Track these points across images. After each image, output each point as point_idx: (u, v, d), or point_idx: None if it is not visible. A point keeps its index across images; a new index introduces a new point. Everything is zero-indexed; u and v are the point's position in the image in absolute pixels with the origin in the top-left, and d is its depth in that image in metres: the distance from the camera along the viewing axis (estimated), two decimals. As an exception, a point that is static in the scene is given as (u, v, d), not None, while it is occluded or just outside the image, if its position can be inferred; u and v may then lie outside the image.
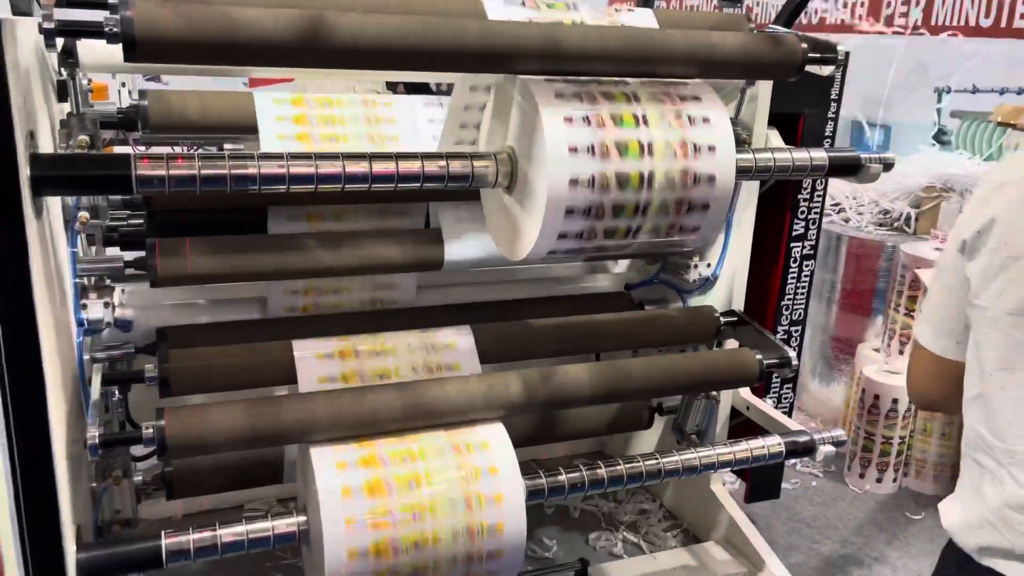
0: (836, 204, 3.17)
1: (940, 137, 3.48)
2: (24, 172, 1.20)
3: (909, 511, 2.64)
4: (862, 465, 2.76)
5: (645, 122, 1.43)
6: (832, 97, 2.13)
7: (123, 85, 2.05)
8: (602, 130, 1.39)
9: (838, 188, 3.17)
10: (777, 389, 2.35)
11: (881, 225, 3.09)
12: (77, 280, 1.62)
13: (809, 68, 1.71)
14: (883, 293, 2.97)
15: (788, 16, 2.01)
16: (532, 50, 1.43)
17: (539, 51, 1.43)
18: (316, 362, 1.68)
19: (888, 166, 1.85)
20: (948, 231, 2.91)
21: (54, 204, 1.49)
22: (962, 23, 3.37)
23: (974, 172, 3.02)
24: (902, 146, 3.53)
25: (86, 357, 1.67)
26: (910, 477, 2.79)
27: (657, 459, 1.81)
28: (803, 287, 2.28)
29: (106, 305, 1.66)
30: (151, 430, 1.47)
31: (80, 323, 1.62)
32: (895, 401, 2.67)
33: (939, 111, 3.52)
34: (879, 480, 2.75)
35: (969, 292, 1.28)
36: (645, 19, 1.73)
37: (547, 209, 1.38)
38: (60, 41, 1.43)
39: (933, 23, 3.47)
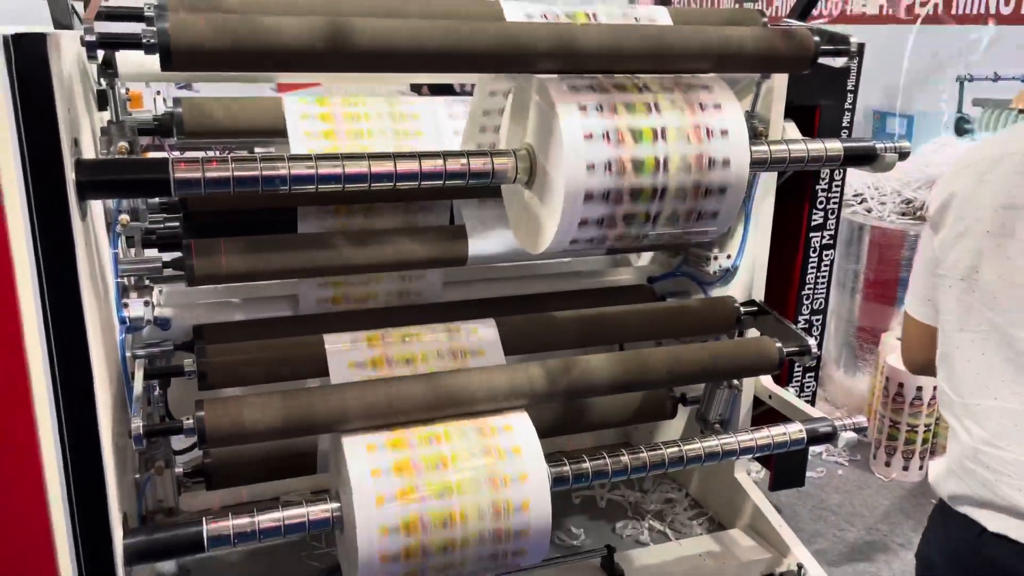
0: (858, 194, 3.17)
1: (962, 125, 3.47)
2: (70, 177, 1.27)
3: (936, 498, 2.64)
4: (887, 453, 2.77)
5: (657, 109, 1.48)
6: (848, 88, 2.15)
7: (158, 93, 2.12)
8: (615, 117, 1.45)
9: (860, 178, 3.18)
10: (800, 378, 2.38)
11: (903, 214, 3.09)
12: (119, 280, 1.70)
13: (823, 60, 1.74)
14: (906, 282, 2.96)
15: (802, 9, 2.04)
16: (548, 50, 1.48)
17: (555, 50, 1.48)
18: (346, 352, 1.74)
19: (904, 155, 1.87)
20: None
21: (97, 207, 1.57)
22: (983, 10, 3.36)
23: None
24: (924, 135, 3.52)
25: (128, 354, 1.75)
26: (936, 465, 2.80)
27: (679, 446, 1.85)
28: (823, 276, 2.30)
29: (146, 304, 1.74)
30: (191, 420, 1.54)
31: (122, 321, 1.69)
32: (919, 389, 2.68)
33: (961, 99, 3.50)
34: (905, 468, 2.76)
35: (934, 263, 1.40)
36: (659, 16, 1.77)
37: (565, 196, 1.43)
38: (100, 53, 1.50)
39: (954, 11, 3.46)
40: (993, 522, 1.28)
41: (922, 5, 3.50)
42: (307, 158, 1.45)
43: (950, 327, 1.37)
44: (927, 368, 1.49)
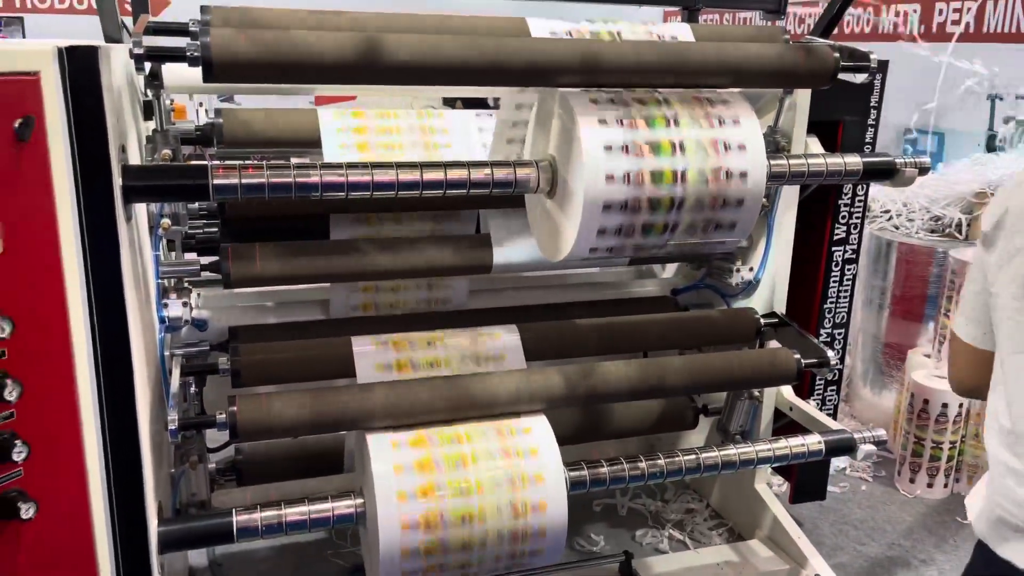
0: (886, 211, 3.18)
1: (993, 143, 3.46)
2: (117, 182, 1.35)
3: (960, 516, 2.64)
4: (912, 470, 2.76)
5: (676, 123, 1.53)
6: (872, 104, 2.18)
7: (200, 105, 2.22)
8: (635, 130, 1.50)
9: (888, 195, 3.19)
10: (821, 392, 2.39)
11: (932, 231, 3.09)
12: (159, 281, 1.79)
13: (843, 76, 1.78)
14: (934, 299, 2.97)
15: (825, 26, 2.07)
16: (572, 65, 1.54)
17: (578, 66, 1.54)
18: (373, 353, 1.81)
19: (924, 170, 1.89)
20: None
21: (141, 212, 1.65)
22: (1014, 30, 3.35)
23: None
24: (956, 153, 3.51)
25: (166, 352, 1.84)
26: (962, 483, 2.78)
27: (696, 454, 1.88)
28: (846, 291, 2.32)
29: (184, 305, 1.82)
30: (224, 415, 1.62)
31: (162, 320, 1.78)
32: (944, 406, 2.68)
33: (992, 117, 3.49)
34: (930, 485, 2.75)
35: (989, 281, 1.35)
36: (682, 32, 1.82)
37: (585, 205, 1.48)
38: (147, 65, 1.59)
39: (985, 31, 3.46)
40: None
41: (954, 24, 3.50)
42: (338, 166, 1.52)
43: (1006, 351, 1.31)
44: (976, 392, 1.44)
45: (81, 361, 1.28)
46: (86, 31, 1.62)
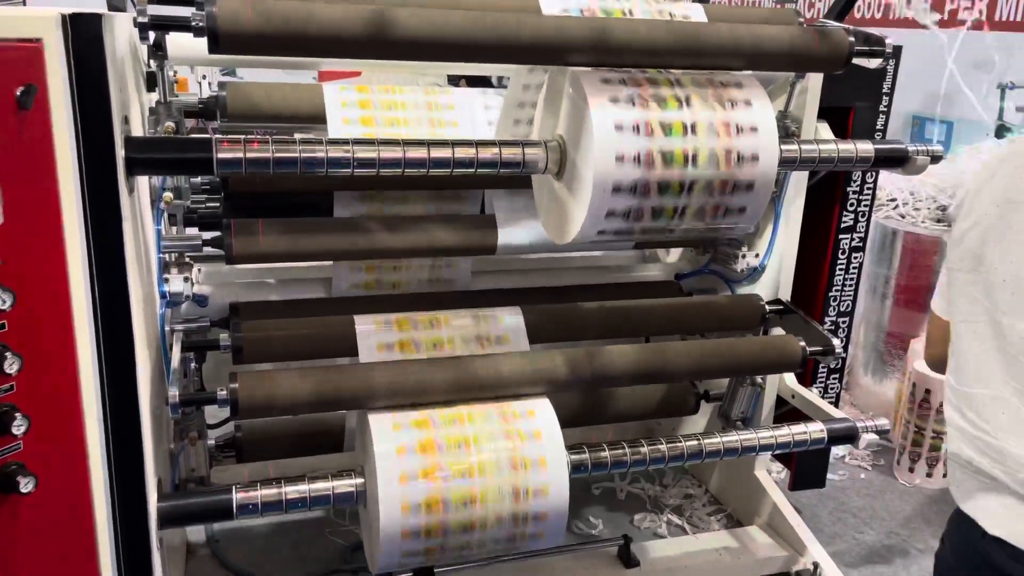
0: (893, 199, 3.16)
1: (1002, 133, 3.43)
2: (119, 153, 1.33)
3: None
4: (911, 459, 2.76)
5: (688, 103, 1.51)
6: (884, 91, 2.15)
7: (203, 78, 2.19)
8: (646, 110, 1.47)
9: (895, 183, 3.16)
10: (824, 379, 2.38)
11: (938, 221, 3.07)
12: (161, 255, 1.77)
13: (857, 61, 1.75)
14: (938, 289, 2.95)
15: (840, 10, 2.04)
16: (582, 43, 1.51)
17: (589, 44, 1.51)
18: (375, 333, 1.79)
19: (936, 158, 1.87)
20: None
21: (143, 184, 1.63)
22: (1026, 18, 3.31)
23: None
24: (965, 142, 3.48)
25: (167, 328, 1.82)
26: (961, 473, 2.78)
27: (698, 440, 1.87)
28: (851, 279, 2.30)
29: (186, 280, 1.80)
30: (225, 391, 1.60)
31: (163, 295, 1.76)
32: (946, 396, 2.67)
33: (1002, 107, 3.46)
34: (929, 474, 2.75)
35: (948, 258, 1.46)
36: (694, 13, 1.79)
37: (594, 185, 1.46)
38: (151, 34, 1.56)
39: (997, 18, 3.42)
40: (992, 523, 1.32)
41: (966, 10, 3.47)
42: (344, 142, 1.50)
43: (957, 318, 1.42)
44: (944, 363, 1.52)
45: (82, 334, 1.27)
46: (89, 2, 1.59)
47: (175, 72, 1.88)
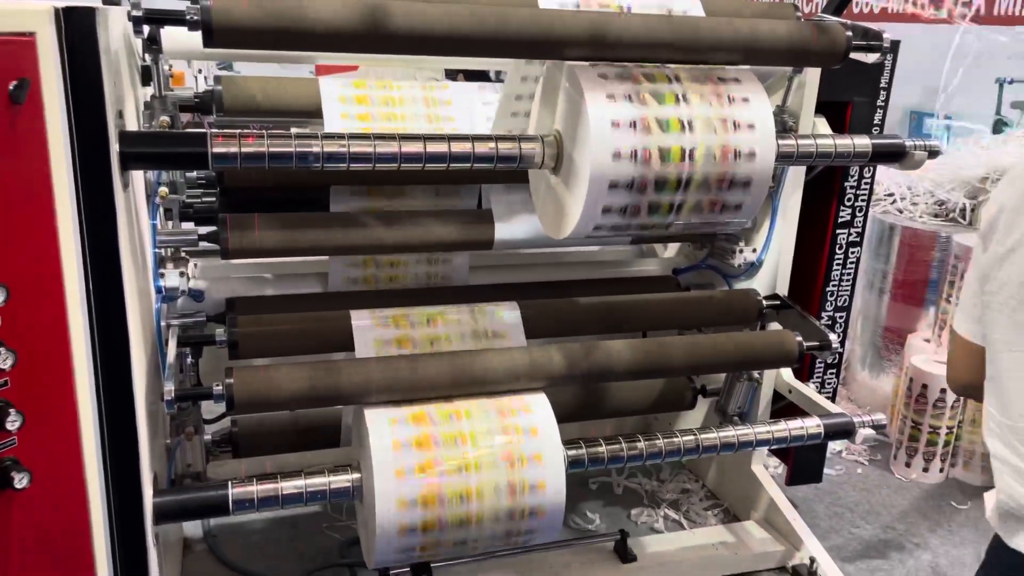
0: (890, 194, 3.15)
1: (1000, 128, 3.43)
2: (114, 147, 1.33)
3: (955, 500, 2.64)
4: (908, 454, 2.76)
5: (685, 100, 1.50)
6: (882, 86, 2.15)
7: (199, 72, 2.19)
8: (644, 107, 1.47)
9: (892, 177, 3.16)
10: (821, 374, 2.39)
11: (936, 216, 3.07)
12: (157, 251, 1.76)
13: (855, 55, 1.74)
14: (936, 284, 2.95)
15: (837, 5, 2.04)
16: (579, 37, 1.51)
17: (586, 38, 1.51)
18: (372, 328, 1.79)
19: (933, 153, 1.87)
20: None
21: (138, 179, 1.62)
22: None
23: (1033, 163, 2.96)
24: (963, 137, 3.48)
25: (163, 323, 1.82)
26: (958, 468, 2.79)
27: (695, 435, 1.87)
28: (849, 274, 2.30)
29: (181, 275, 1.80)
30: (221, 387, 1.60)
31: (159, 290, 1.76)
32: (943, 391, 2.67)
33: (999, 101, 3.46)
34: (925, 469, 2.75)
35: (983, 281, 1.34)
36: (691, 7, 1.79)
37: (590, 182, 1.46)
38: (146, 28, 1.55)
39: (996, 13, 3.42)
40: None
41: (964, 5, 3.46)
42: (340, 136, 1.49)
43: (1000, 347, 1.31)
44: (972, 390, 1.44)
45: (76, 329, 1.26)
46: (84, -6, 1.58)
47: (171, 66, 1.87)
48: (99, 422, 1.34)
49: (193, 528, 2.27)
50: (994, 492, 1.37)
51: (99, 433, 1.34)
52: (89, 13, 1.19)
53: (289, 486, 1.62)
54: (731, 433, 1.91)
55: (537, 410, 1.68)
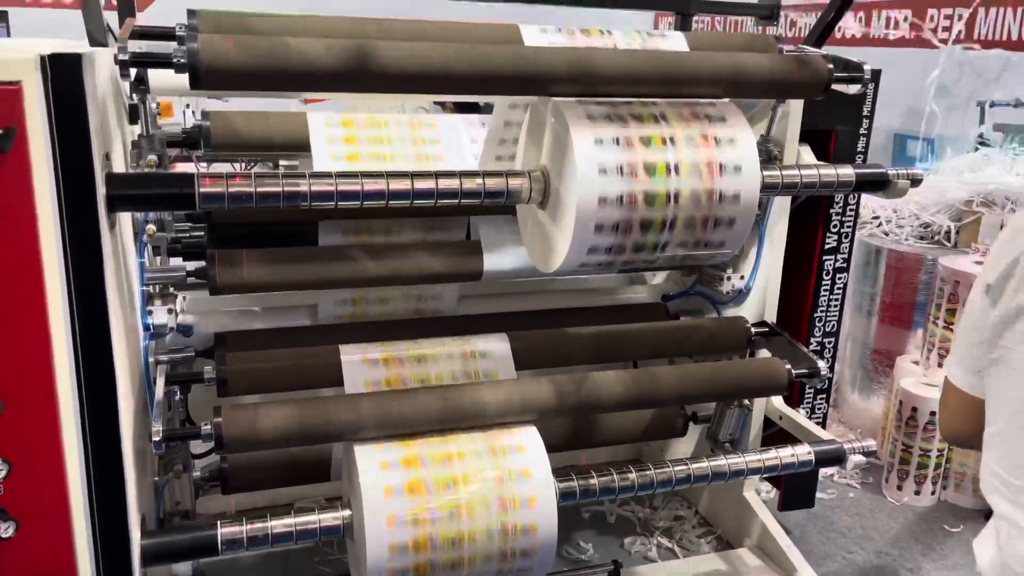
0: (876, 217, 3.18)
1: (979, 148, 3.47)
2: (100, 190, 1.33)
3: (947, 524, 2.64)
4: (900, 477, 2.77)
5: (672, 143, 1.51)
6: (864, 114, 2.17)
7: (187, 106, 2.19)
8: (631, 151, 1.48)
9: (878, 201, 3.19)
10: (811, 400, 2.39)
11: (922, 238, 3.09)
12: (144, 288, 1.76)
13: (836, 87, 1.77)
14: (923, 306, 2.97)
15: (819, 36, 2.06)
16: (564, 74, 1.52)
17: (570, 75, 1.52)
18: (361, 363, 1.79)
19: (916, 182, 1.88)
20: (989, 245, 2.91)
21: (125, 218, 1.62)
22: (1005, 37, 3.36)
23: (1016, 187, 3.00)
24: (944, 160, 3.51)
25: (151, 359, 1.81)
26: (949, 490, 2.79)
27: (686, 465, 1.87)
28: (836, 299, 2.31)
29: (170, 311, 1.79)
30: (209, 426, 1.59)
31: (146, 328, 1.75)
32: (932, 413, 2.68)
33: (981, 123, 3.50)
34: (917, 492, 2.75)
35: (993, 334, 1.29)
36: (676, 42, 1.81)
37: (577, 225, 1.47)
38: (132, 70, 1.56)
39: (976, 36, 3.46)
40: None
41: (945, 30, 3.51)
42: (327, 175, 1.50)
43: (1014, 404, 1.25)
44: (970, 441, 1.39)
45: (62, 374, 1.25)
46: (72, 25, 1.58)
47: (157, 104, 1.88)
48: (86, 467, 1.32)
49: (182, 565, 2.25)
50: (986, 540, 1.33)
51: (86, 478, 1.32)
52: (75, 60, 1.19)
53: (279, 524, 1.60)
54: (722, 462, 1.91)
55: (529, 450, 1.67)
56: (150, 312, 1.77)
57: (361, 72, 1.43)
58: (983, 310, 1.32)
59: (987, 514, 2.38)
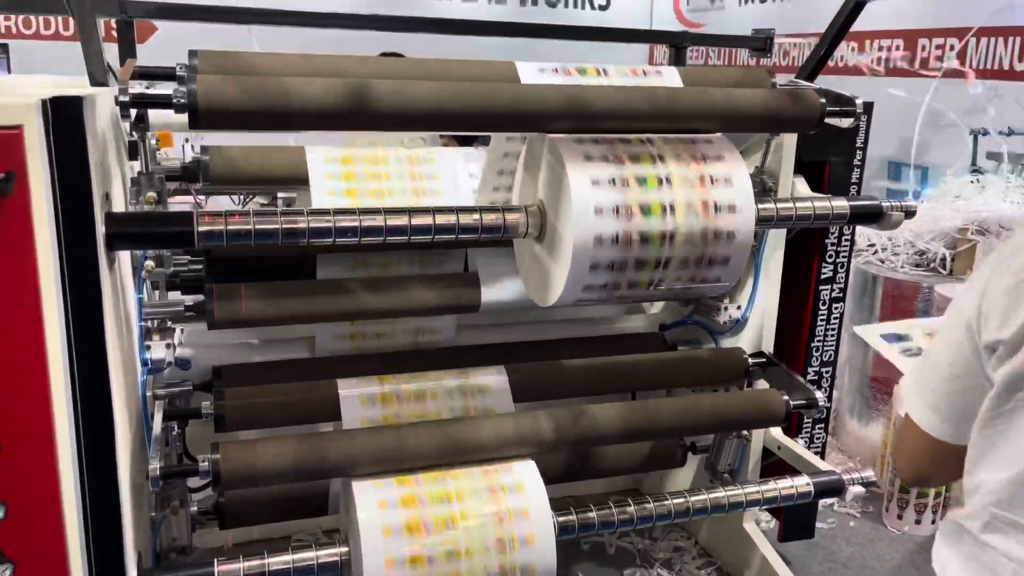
0: (871, 245, 3.20)
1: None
2: (100, 230, 1.34)
3: None
4: (900, 506, 2.76)
5: (668, 183, 1.53)
6: (858, 145, 2.19)
7: (186, 140, 2.21)
8: (627, 191, 1.49)
9: (873, 229, 3.20)
10: (809, 429, 2.39)
11: (917, 266, 3.11)
12: (143, 323, 1.76)
13: (829, 120, 1.78)
14: (920, 333, 2.97)
15: (811, 70, 2.09)
16: (560, 111, 1.54)
17: (566, 112, 1.54)
18: (359, 397, 1.79)
19: (910, 214, 1.90)
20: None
21: (124, 254, 1.63)
22: (996, 67, 3.39)
23: (1008, 214, 3.02)
24: (936, 187, 3.54)
25: (149, 394, 1.81)
26: (949, 519, 2.78)
27: (686, 497, 1.87)
28: (833, 329, 2.32)
29: (168, 346, 1.79)
30: (207, 463, 1.59)
31: (144, 363, 1.75)
32: (931, 442, 2.67)
33: (975, 152, 3.53)
34: (917, 521, 2.74)
35: (1006, 389, 1.16)
36: (670, 78, 1.83)
37: (572, 264, 1.48)
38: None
39: (968, 66, 3.50)
40: None
41: (937, 59, 3.55)
42: (325, 212, 1.51)
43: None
44: (927, 482, 1.35)
45: (60, 413, 1.26)
46: (73, 58, 1.60)
47: (157, 140, 1.89)
48: (83, 506, 1.32)
49: (179, 600, 2.23)
50: (943, 555, 1.23)
51: (83, 517, 1.32)
52: (76, 103, 1.21)
53: (276, 562, 1.60)
54: (722, 495, 1.91)
55: (529, 488, 1.66)
56: (148, 347, 1.77)
57: (360, 111, 1.45)
58: (972, 356, 1.19)
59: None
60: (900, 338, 2.43)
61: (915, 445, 1.29)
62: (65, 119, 1.19)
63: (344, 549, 1.64)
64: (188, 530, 1.92)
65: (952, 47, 3.44)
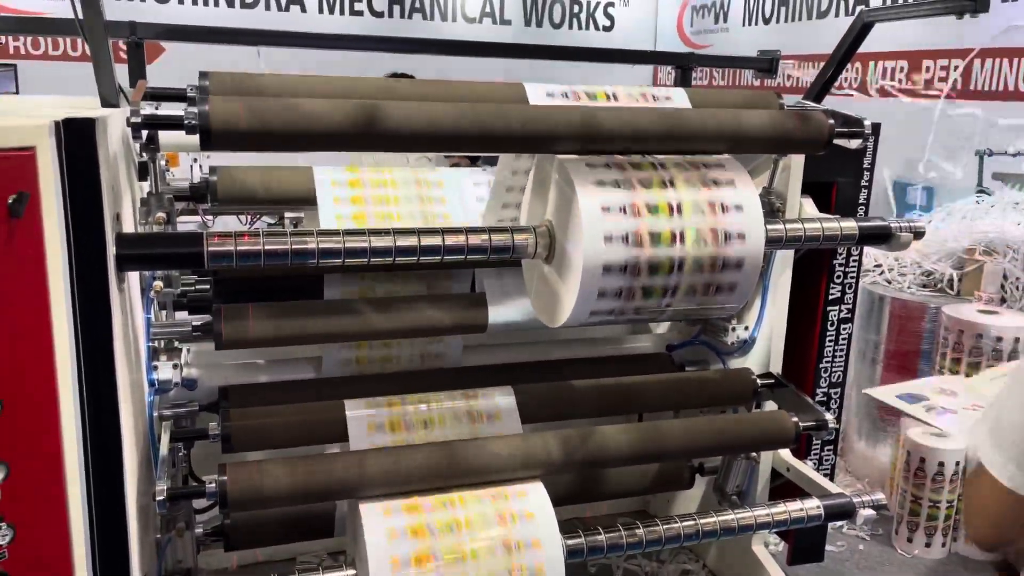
0: (878, 265, 3.19)
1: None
2: (111, 251, 1.34)
3: (959, 577, 2.61)
4: (910, 529, 2.73)
5: (679, 211, 1.53)
6: (865, 166, 2.19)
7: (195, 160, 2.22)
8: (637, 219, 1.49)
9: (880, 249, 3.20)
10: (818, 451, 2.37)
11: (924, 286, 3.10)
12: (150, 344, 1.76)
13: (837, 141, 1.79)
14: (928, 354, 2.97)
15: (819, 91, 2.10)
16: (569, 133, 1.54)
17: (575, 134, 1.54)
18: (366, 417, 1.79)
19: (919, 235, 1.89)
20: (992, 293, 2.91)
21: (133, 275, 1.63)
22: (1001, 88, 3.40)
23: (1017, 235, 3.02)
24: (945, 207, 3.54)
25: (155, 414, 1.80)
26: (960, 542, 2.75)
27: (694, 520, 1.85)
28: (841, 350, 2.31)
29: (175, 367, 1.79)
30: (214, 484, 1.58)
31: (151, 383, 1.75)
32: (941, 464, 2.66)
33: (980, 173, 3.53)
34: (928, 544, 2.71)
35: None
36: (678, 99, 1.83)
37: (581, 290, 1.49)
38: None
39: (972, 87, 3.51)
40: None
41: (941, 80, 3.56)
42: (335, 233, 1.51)
43: None
44: (1008, 544, 1.26)
45: (69, 435, 1.25)
46: (79, 78, 1.61)
47: (167, 161, 1.90)
48: (89, 528, 1.31)
49: (183, 623, 2.21)
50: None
51: (89, 540, 1.31)
52: (88, 125, 1.21)
53: (282, 585, 1.58)
54: (731, 517, 1.89)
55: (539, 517, 1.65)
56: (156, 368, 1.76)
57: (370, 133, 1.45)
58: None
59: (999, 567, 2.35)
60: (916, 398, 2.45)
61: (989, 504, 1.21)
62: (78, 141, 1.20)
63: (351, 572, 1.62)
64: (193, 552, 1.91)
65: (956, 67, 3.46)
